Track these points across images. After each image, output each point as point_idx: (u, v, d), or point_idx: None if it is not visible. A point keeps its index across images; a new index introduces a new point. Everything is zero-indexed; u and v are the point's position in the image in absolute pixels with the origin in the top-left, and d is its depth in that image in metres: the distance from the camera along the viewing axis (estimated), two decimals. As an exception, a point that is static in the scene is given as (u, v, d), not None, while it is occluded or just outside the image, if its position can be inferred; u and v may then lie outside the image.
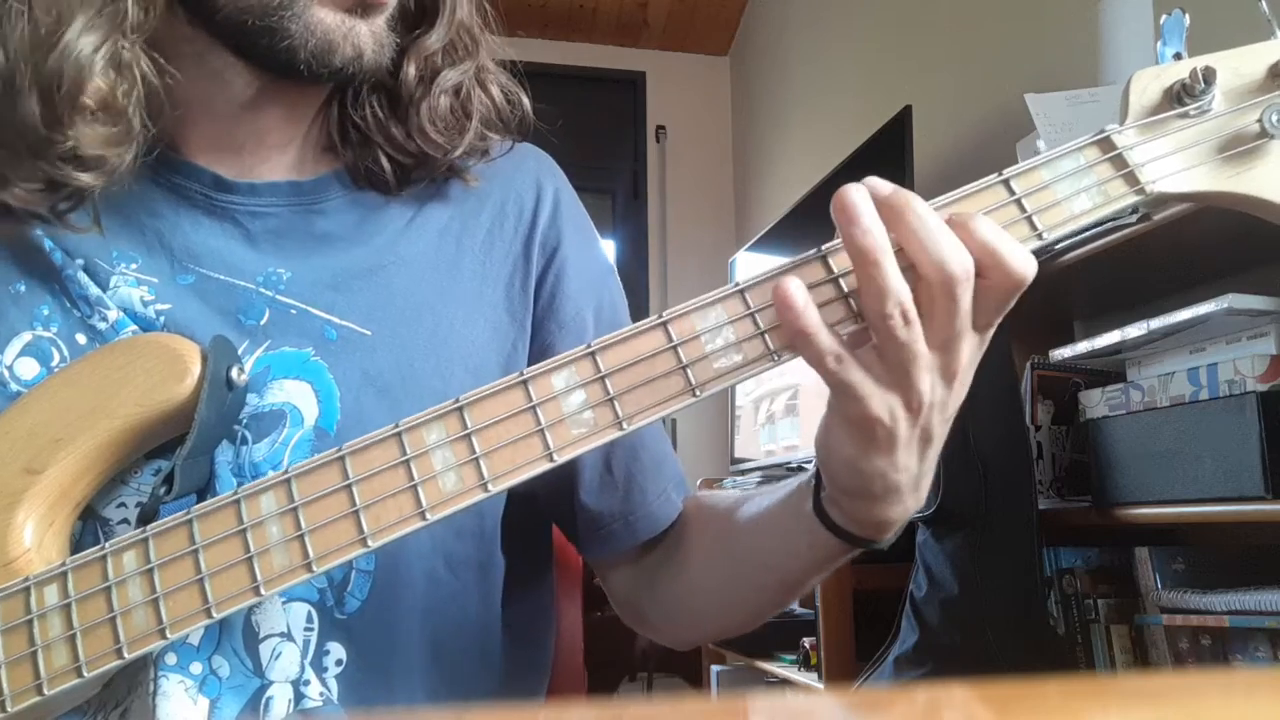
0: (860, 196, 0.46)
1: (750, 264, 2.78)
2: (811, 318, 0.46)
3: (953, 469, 1.28)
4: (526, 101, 0.70)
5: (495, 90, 0.68)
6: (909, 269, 0.46)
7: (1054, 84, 1.40)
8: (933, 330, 0.46)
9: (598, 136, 3.65)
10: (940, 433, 0.49)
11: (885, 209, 0.46)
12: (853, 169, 2.09)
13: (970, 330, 0.47)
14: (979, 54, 2.03)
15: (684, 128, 3.74)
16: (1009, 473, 1.29)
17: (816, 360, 0.46)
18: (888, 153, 1.89)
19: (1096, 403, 1.29)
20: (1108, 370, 1.33)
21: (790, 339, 0.47)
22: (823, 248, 0.48)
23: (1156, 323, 1.14)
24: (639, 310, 0.76)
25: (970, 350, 0.47)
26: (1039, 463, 1.35)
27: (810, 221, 2.36)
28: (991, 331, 0.48)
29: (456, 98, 0.66)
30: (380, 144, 0.65)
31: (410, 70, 0.64)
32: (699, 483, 2.70)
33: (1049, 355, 1.36)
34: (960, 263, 0.45)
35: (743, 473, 2.56)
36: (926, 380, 0.46)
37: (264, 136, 0.64)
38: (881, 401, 0.47)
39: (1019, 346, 1.39)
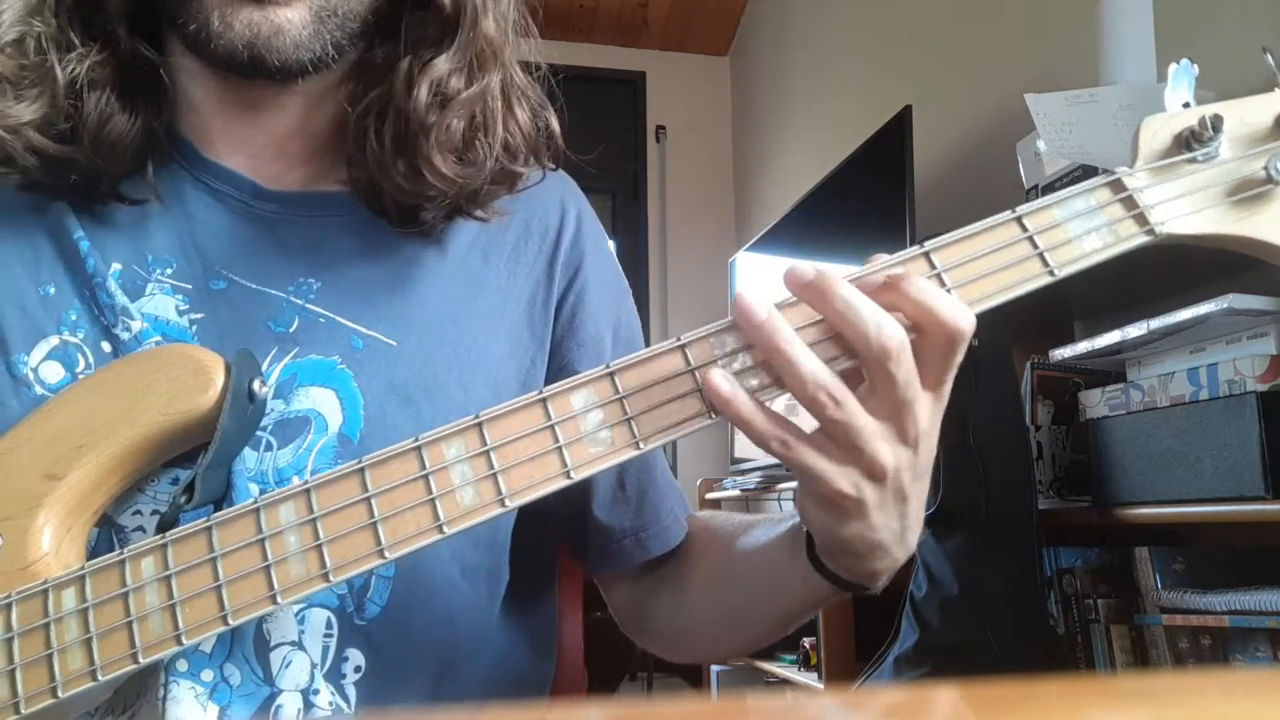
0: (751, 296, 0.46)
1: (750, 264, 2.79)
2: (742, 405, 0.46)
3: (953, 469, 1.28)
4: (555, 123, 0.68)
5: (523, 115, 0.65)
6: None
7: (1054, 84, 1.40)
8: (879, 401, 0.46)
9: (597, 136, 3.63)
10: (916, 490, 0.49)
11: (810, 292, 0.46)
12: (853, 169, 2.09)
13: (922, 393, 0.47)
14: (979, 54, 2.03)
15: (684, 128, 3.74)
16: (1009, 473, 1.29)
17: (761, 444, 0.47)
18: (888, 153, 1.89)
19: (1096, 403, 1.29)
20: (1108, 370, 1.33)
21: (734, 424, 0.47)
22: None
23: (1156, 323, 1.14)
24: (638, 310, 0.77)
25: (928, 411, 0.47)
26: (1039, 463, 1.35)
27: (810, 222, 2.36)
28: (947, 388, 0.48)
29: (471, 125, 0.62)
30: (379, 180, 0.62)
31: (422, 93, 0.60)
32: (699, 482, 2.71)
33: (1049, 355, 1.37)
34: (891, 334, 0.45)
35: (743, 473, 2.56)
36: (884, 449, 0.46)
37: (282, 145, 0.64)
38: (842, 476, 0.47)
39: (1019, 346, 1.39)
